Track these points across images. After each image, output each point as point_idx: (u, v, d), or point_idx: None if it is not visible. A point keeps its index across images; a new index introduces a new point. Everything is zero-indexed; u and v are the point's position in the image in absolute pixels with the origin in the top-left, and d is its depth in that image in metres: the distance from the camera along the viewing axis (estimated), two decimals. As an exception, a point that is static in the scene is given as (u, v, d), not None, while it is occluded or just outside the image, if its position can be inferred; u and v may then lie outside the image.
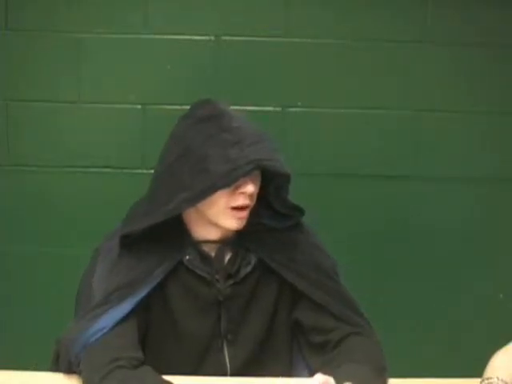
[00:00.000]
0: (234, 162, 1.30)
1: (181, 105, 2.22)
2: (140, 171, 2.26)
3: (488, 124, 2.30)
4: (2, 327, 2.33)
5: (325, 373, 1.28)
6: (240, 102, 2.18)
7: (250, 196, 1.36)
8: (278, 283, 1.45)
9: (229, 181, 1.31)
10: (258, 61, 2.24)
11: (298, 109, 2.26)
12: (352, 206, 2.33)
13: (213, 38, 2.21)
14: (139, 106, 2.24)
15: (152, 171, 2.20)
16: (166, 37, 2.21)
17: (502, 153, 2.32)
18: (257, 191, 1.38)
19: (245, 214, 1.38)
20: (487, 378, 1.23)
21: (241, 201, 1.35)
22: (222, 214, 1.36)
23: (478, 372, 1.27)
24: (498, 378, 1.21)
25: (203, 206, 1.36)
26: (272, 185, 1.43)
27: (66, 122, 2.25)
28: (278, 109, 2.26)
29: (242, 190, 1.34)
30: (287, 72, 2.25)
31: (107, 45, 2.21)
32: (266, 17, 2.21)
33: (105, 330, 1.30)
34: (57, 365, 1.37)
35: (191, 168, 1.33)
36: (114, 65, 2.23)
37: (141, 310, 1.37)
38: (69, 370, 1.33)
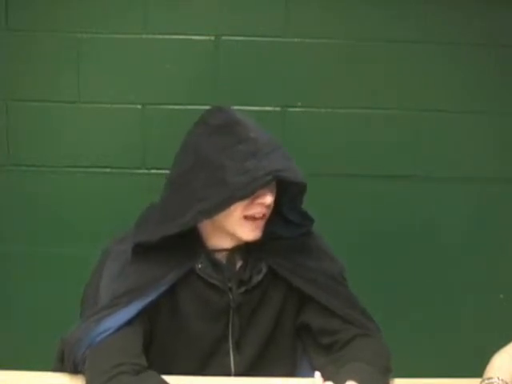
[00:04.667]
0: (251, 173, 1.30)
1: (181, 105, 2.22)
2: (140, 171, 2.26)
3: (488, 124, 2.30)
4: (1, 327, 2.34)
5: (328, 372, 1.29)
6: (240, 102, 2.18)
7: (268, 206, 1.36)
8: (286, 288, 1.46)
9: (247, 192, 1.31)
10: (258, 61, 2.24)
11: (297, 109, 2.26)
12: (352, 206, 2.32)
13: (213, 38, 2.21)
14: (139, 106, 2.24)
15: (152, 171, 2.25)
16: (166, 37, 2.21)
17: (502, 153, 2.32)
18: (273, 201, 1.38)
19: (261, 223, 1.38)
20: (487, 378, 1.23)
21: (258, 210, 1.36)
22: (238, 225, 1.36)
23: (478, 372, 1.27)
24: (498, 378, 1.21)
25: (219, 216, 1.35)
26: (286, 194, 1.43)
27: (66, 122, 2.25)
28: (278, 109, 2.25)
29: (261, 200, 1.34)
30: (287, 72, 2.24)
31: (107, 45, 2.21)
32: (265, 17, 2.21)
33: (110, 331, 1.30)
34: (61, 364, 1.37)
35: (207, 179, 1.32)
36: (113, 65, 2.23)
37: (148, 315, 1.37)
38: (74, 369, 1.33)
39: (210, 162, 1.32)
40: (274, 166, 1.32)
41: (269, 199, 1.35)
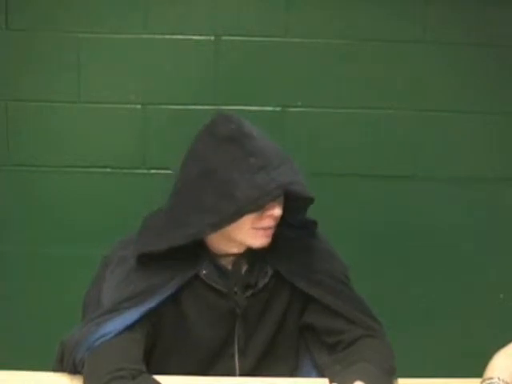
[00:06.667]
0: (261, 187, 1.30)
1: (181, 105, 2.22)
2: (140, 171, 2.26)
3: (488, 124, 2.30)
4: (1, 327, 2.34)
5: (335, 372, 1.29)
6: (240, 102, 2.18)
7: (276, 218, 1.37)
8: (290, 290, 1.45)
9: (257, 206, 1.31)
10: (258, 61, 2.24)
11: (297, 109, 2.26)
12: (352, 205, 2.33)
13: (213, 38, 2.21)
14: (139, 106, 2.24)
15: (152, 171, 2.25)
16: (166, 37, 2.21)
17: (502, 153, 2.32)
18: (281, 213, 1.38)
19: (271, 232, 1.38)
20: (488, 378, 1.23)
21: (267, 222, 1.36)
22: (248, 235, 1.36)
23: (478, 372, 1.27)
24: (498, 379, 1.21)
25: (228, 228, 1.35)
26: (291, 205, 1.42)
27: (65, 122, 2.25)
28: (278, 109, 2.26)
29: (270, 212, 1.34)
30: (287, 72, 2.24)
31: (107, 45, 2.21)
32: (265, 17, 2.21)
33: (111, 335, 1.30)
34: (61, 366, 1.37)
35: (215, 190, 1.31)
36: (113, 65, 2.23)
37: (151, 321, 1.37)
38: (73, 371, 1.32)
39: (218, 174, 1.31)
40: (283, 179, 1.32)
41: (278, 212, 1.35)
